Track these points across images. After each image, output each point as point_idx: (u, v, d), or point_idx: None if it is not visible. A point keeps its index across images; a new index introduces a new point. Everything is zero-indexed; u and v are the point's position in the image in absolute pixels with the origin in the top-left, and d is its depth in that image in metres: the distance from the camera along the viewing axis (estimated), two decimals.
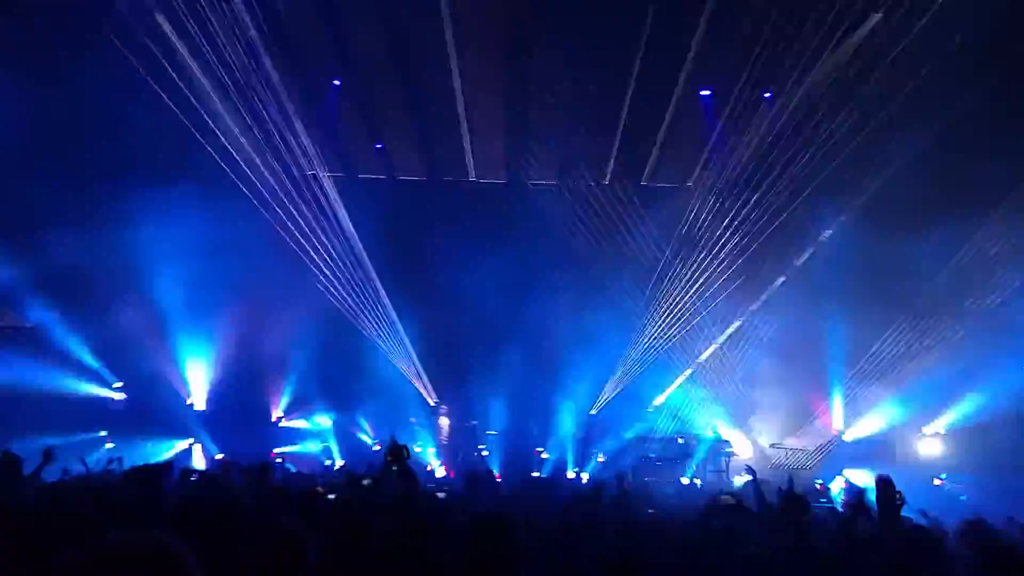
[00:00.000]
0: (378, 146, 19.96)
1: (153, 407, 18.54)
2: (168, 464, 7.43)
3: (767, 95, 16.87)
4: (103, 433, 17.59)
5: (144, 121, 15.25)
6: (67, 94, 14.44)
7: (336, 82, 18.03)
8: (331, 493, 7.93)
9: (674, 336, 20.18)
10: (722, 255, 18.97)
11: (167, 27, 15.47)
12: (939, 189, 15.43)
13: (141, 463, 7.63)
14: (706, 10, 15.00)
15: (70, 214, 15.82)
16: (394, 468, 5.56)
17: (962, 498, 15.76)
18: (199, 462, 17.76)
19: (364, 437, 20.83)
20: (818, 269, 18.39)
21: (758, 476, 7.76)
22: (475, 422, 21.12)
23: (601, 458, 19.83)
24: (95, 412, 17.97)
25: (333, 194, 19.66)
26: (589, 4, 15.08)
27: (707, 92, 17.68)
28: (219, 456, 17.77)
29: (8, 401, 14.90)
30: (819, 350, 18.76)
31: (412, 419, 20.47)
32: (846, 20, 14.80)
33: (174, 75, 15.70)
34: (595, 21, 15.28)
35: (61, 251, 15.73)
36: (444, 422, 20.86)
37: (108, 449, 15.86)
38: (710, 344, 20.30)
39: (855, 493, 5.25)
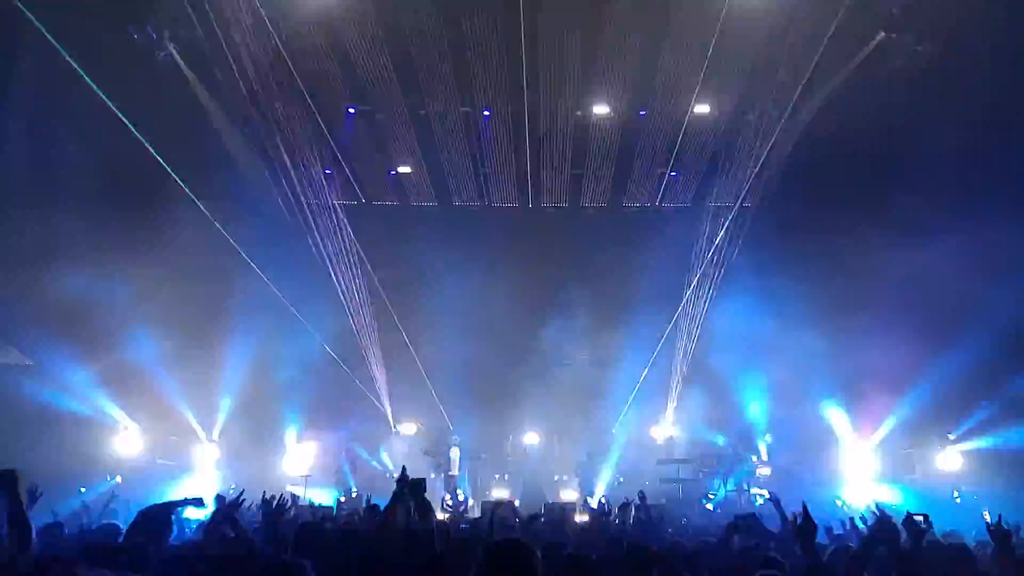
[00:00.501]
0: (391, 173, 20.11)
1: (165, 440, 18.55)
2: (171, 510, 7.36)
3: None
4: (118, 480, 17.56)
5: (149, 148, 15.41)
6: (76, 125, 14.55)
7: (351, 110, 18.23)
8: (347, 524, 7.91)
9: (692, 354, 20.05)
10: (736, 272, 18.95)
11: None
12: (957, 195, 15.32)
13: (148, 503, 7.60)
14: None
15: (74, 246, 15.85)
16: (410, 500, 5.60)
17: (983, 511, 15.50)
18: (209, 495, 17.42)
19: (378, 466, 20.67)
20: (837, 280, 18.21)
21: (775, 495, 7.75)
22: (484, 456, 20.96)
23: (621, 480, 19.67)
24: (103, 448, 17.96)
25: (346, 221, 19.88)
26: None
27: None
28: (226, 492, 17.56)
29: (13, 438, 14.85)
30: (835, 362, 18.57)
31: (423, 451, 20.21)
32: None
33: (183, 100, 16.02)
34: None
35: (66, 283, 15.77)
36: (455, 453, 20.56)
37: (114, 486, 15.67)
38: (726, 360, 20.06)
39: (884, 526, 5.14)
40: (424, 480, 5.67)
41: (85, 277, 15.35)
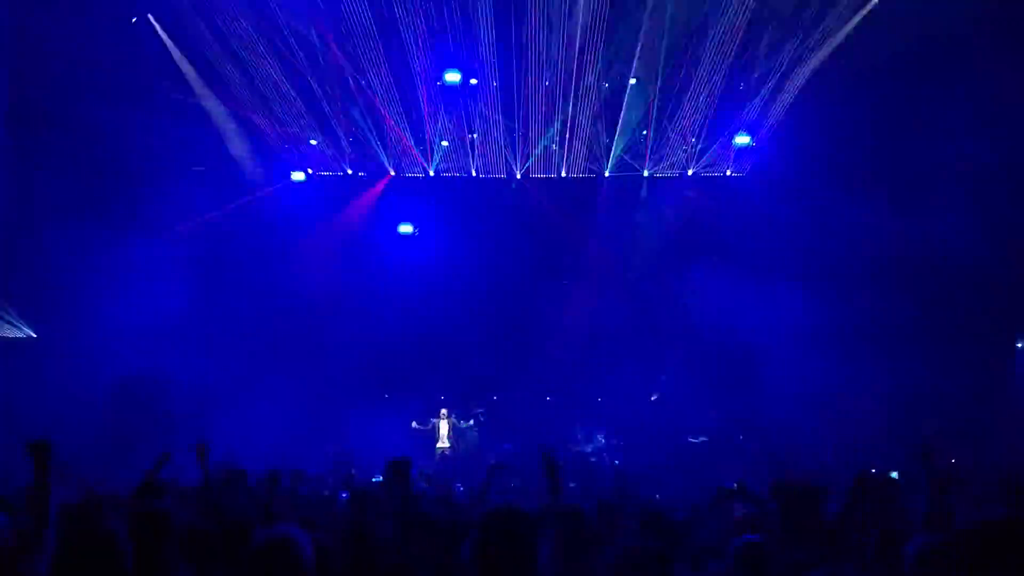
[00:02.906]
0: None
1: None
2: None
3: None
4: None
5: (163, 124, 15.45)
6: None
7: None
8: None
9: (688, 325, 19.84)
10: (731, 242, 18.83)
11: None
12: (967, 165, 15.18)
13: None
14: None
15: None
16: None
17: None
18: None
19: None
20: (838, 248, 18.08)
21: None
22: (481, 412, 20.47)
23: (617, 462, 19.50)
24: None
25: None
26: None
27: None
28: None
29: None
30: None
31: (413, 423, 19.65)
32: None
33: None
34: None
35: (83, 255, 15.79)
36: (444, 427, 19.93)
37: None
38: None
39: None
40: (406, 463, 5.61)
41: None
